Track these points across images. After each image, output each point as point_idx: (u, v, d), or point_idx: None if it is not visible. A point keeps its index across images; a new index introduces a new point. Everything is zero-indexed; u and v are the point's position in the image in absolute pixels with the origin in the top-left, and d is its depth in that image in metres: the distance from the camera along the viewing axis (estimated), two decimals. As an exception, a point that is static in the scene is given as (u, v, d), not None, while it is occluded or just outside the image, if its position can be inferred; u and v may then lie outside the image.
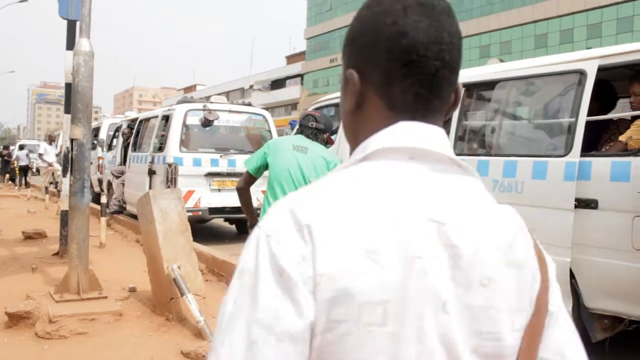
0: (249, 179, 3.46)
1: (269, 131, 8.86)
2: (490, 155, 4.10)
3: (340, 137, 5.25)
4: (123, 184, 10.05)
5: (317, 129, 3.47)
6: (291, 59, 59.38)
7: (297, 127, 3.57)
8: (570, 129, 3.60)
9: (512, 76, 4.14)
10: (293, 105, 50.22)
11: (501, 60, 5.06)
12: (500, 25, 37.30)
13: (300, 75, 52.88)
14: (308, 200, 0.67)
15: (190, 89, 73.93)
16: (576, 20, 33.69)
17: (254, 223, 3.44)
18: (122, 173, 10.30)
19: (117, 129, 11.84)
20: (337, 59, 50.07)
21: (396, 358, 0.64)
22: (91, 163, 12.69)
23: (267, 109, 11.70)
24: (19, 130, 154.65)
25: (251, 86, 57.89)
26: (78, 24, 4.95)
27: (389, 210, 0.66)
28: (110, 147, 12.39)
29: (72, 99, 4.71)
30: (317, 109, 3.72)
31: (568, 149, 3.55)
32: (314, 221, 0.64)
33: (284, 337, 0.61)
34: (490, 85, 4.33)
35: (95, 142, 13.02)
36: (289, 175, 3.27)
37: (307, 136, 3.45)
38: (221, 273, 5.73)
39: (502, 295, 0.69)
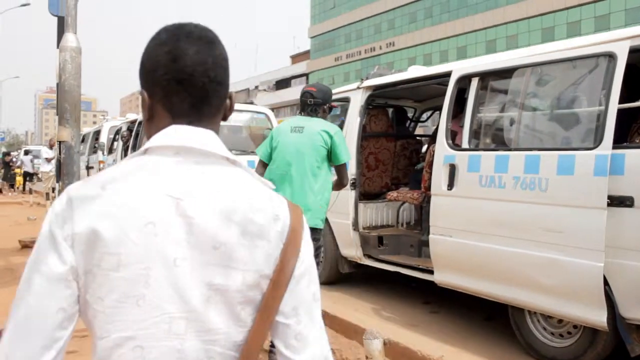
0: (263, 166, 3.59)
1: (271, 129, 8.55)
2: (510, 149, 3.75)
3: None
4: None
5: (315, 104, 3.61)
6: (296, 58, 59.04)
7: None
8: (600, 119, 3.25)
9: (532, 62, 3.75)
10: (299, 105, 49.76)
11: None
12: (506, 19, 36.83)
13: (306, 75, 52.51)
14: (83, 181, 0.89)
15: (195, 90, 73.66)
16: (583, 12, 33.21)
17: None
18: (123, 177, 10.01)
19: (117, 132, 11.55)
20: (342, 57, 49.78)
21: (126, 296, 0.84)
22: (92, 167, 12.54)
23: (272, 109, 11.38)
24: (27, 136, 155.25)
25: (256, 87, 57.62)
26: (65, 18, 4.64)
27: (134, 188, 0.86)
28: (111, 151, 12.10)
29: (59, 98, 4.43)
30: (312, 84, 3.80)
31: (598, 140, 3.19)
32: (76, 195, 0.86)
33: (49, 275, 0.83)
34: (508, 73, 3.94)
35: (96, 145, 12.76)
36: (283, 157, 3.48)
37: (308, 113, 3.62)
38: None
39: (233, 257, 0.87)
